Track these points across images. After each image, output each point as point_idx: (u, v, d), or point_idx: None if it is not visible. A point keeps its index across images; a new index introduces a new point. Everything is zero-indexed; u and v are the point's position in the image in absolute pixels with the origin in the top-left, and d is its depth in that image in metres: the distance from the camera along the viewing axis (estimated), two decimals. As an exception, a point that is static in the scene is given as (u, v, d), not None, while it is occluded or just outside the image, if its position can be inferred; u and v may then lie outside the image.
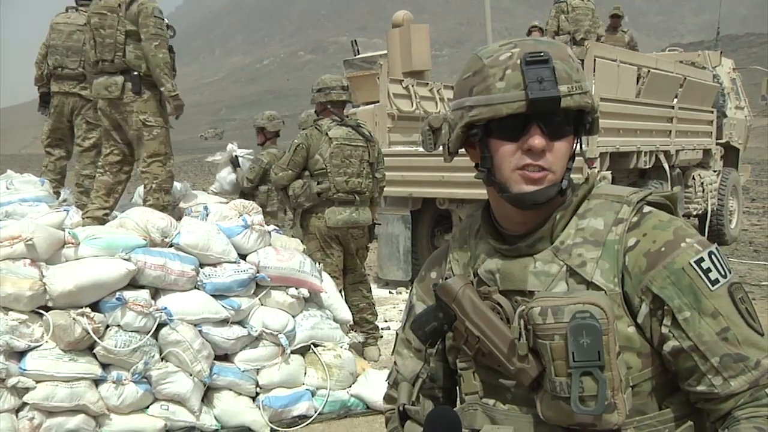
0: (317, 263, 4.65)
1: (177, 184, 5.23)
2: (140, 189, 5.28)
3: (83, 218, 4.51)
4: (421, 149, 7.40)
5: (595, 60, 6.58)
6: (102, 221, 4.53)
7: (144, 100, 4.58)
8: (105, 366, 3.64)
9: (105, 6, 4.54)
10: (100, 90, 4.59)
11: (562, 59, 1.20)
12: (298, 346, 4.20)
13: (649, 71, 7.83)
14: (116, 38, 4.50)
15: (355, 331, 5.22)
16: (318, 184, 5.04)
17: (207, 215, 4.50)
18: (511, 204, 1.26)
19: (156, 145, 4.66)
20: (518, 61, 1.19)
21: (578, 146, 1.27)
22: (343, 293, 5.18)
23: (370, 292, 5.51)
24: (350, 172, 5.08)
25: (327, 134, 5.06)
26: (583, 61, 6.61)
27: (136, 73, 4.54)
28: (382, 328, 5.81)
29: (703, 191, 9.33)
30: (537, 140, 1.19)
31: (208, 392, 3.90)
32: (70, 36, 5.46)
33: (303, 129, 5.36)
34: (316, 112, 5.34)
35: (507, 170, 1.23)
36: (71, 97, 5.47)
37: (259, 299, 4.14)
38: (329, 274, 4.93)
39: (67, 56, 5.45)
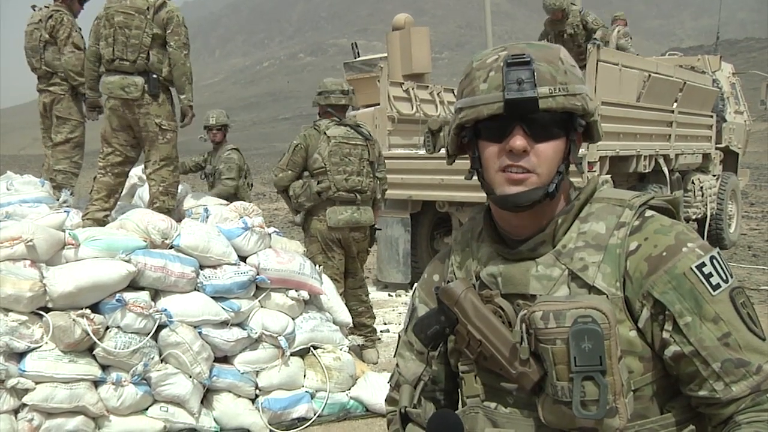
0: (318, 266, 4.65)
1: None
2: (140, 191, 5.28)
3: (83, 219, 4.51)
4: (421, 152, 7.41)
5: (597, 64, 6.58)
6: (102, 222, 4.53)
7: (159, 104, 4.59)
8: (105, 367, 3.63)
9: (131, 6, 4.51)
10: (115, 89, 4.54)
11: (549, 62, 1.20)
12: (298, 349, 4.20)
13: (650, 75, 7.83)
14: (142, 40, 4.48)
15: (354, 334, 5.23)
16: (318, 183, 5.05)
17: (207, 217, 4.51)
18: (496, 205, 1.28)
19: (169, 149, 4.68)
20: (501, 64, 1.20)
21: (571, 149, 1.27)
22: (342, 297, 5.19)
23: (368, 296, 5.51)
24: (350, 170, 5.08)
25: (325, 133, 5.08)
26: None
27: (155, 76, 4.54)
28: (381, 331, 5.81)
29: (703, 195, 9.34)
30: (518, 141, 1.20)
31: (207, 394, 3.90)
32: (32, 35, 5.47)
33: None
34: (319, 114, 5.36)
35: (492, 171, 1.24)
36: (43, 94, 5.47)
37: (259, 301, 4.14)
38: (330, 277, 4.93)
39: (33, 57, 5.45)
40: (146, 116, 4.58)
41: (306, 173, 5.13)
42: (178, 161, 4.85)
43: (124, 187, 5.09)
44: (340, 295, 4.99)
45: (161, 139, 4.63)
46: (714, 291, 1.17)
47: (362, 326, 5.35)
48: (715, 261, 1.19)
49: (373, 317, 5.50)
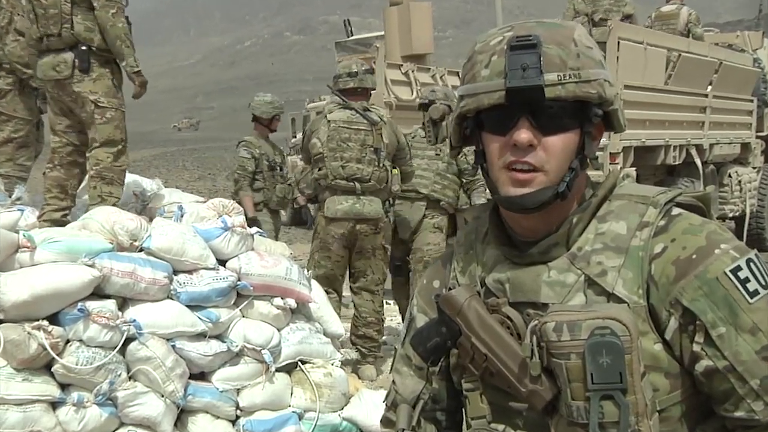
0: (307, 270, 4.65)
1: (148, 182, 5.23)
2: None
3: (39, 221, 4.48)
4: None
5: (618, 42, 6.59)
6: (61, 223, 4.51)
7: (93, 79, 4.47)
8: (64, 386, 3.62)
9: None
10: (48, 70, 4.46)
11: (559, 44, 1.20)
12: (284, 364, 4.20)
13: (680, 55, 7.84)
14: (61, 8, 4.36)
15: (355, 347, 5.23)
16: (318, 170, 5.13)
17: (182, 216, 4.50)
18: (502, 206, 1.29)
19: (110, 129, 4.54)
20: (505, 47, 1.20)
21: (585, 143, 1.27)
22: (352, 298, 5.26)
23: (382, 306, 5.53)
24: (347, 157, 5.17)
25: (326, 117, 5.24)
26: (604, 43, 6.62)
27: (84, 48, 4.40)
28: (378, 344, 5.83)
29: (741, 190, 9.36)
30: (523, 134, 1.20)
31: (181, 415, 3.90)
32: None
33: None
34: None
35: (496, 168, 1.24)
36: None
37: (241, 310, 4.14)
38: (320, 276, 4.97)
39: None
40: (79, 95, 4.46)
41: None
42: (122, 145, 4.65)
43: (82, 181, 5.07)
44: (338, 301, 5.05)
45: (99, 119, 4.50)
46: (751, 298, 1.17)
47: (366, 338, 5.36)
48: (752, 264, 1.19)
49: (381, 332, 5.52)
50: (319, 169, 5.20)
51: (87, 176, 4.66)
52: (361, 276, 5.37)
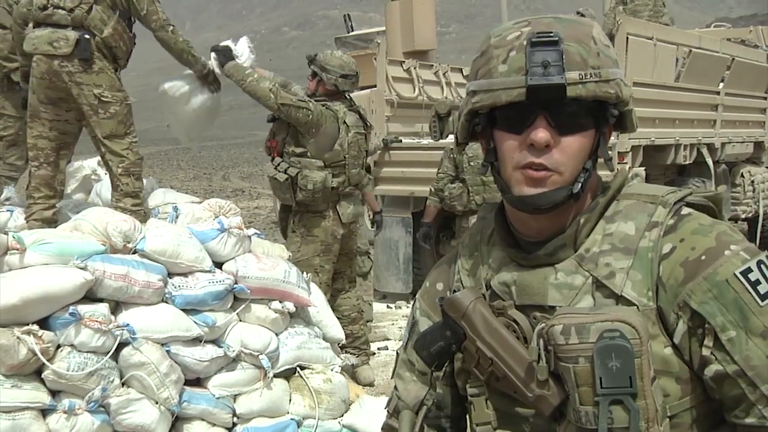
0: (306, 274, 4.65)
1: (141, 181, 5.22)
2: (98, 186, 5.26)
3: (27, 221, 4.45)
4: (424, 141, 7.42)
5: (627, 38, 6.59)
6: (52, 221, 4.50)
7: (95, 72, 4.40)
8: (55, 393, 3.61)
9: None
10: (41, 44, 4.31)
11: (579, 41, 1.21)
12: (282, 369, 4.20)
13: (690, 51, 7.84)
14: None
15: (344, 350, 5.24)
16: (335, 177, 5.14)
17: (177, 217, 4.50)
18: (513, 207, 1.29)
19: (113, 124, 4.49)
20: (524, 42, 1.20)
21: (600, 143, 1.27)
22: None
23: (359, 300, 5.59)
24: (359, 164, 5.31)
25: (345, 122, 5.18)
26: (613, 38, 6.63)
27: (88, 36, 4.33)
28: (379, 348, 5.85)
29: (754, 191, 9.36)
30: (540, 134, 1.20)
31: (176, 423, 3.89)
32: None
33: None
34: (315, 92, 5.34)
35: (509, 168, 1.25)
36: None
37: (238, 314, 4.14)
38: (324, 282, 4.99)
39: None
40: (79, 86, 4.39)
41: (319, 163, 5.11)
42: (131, 137, 4.63)
43: (78, 180, 5.06)
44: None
45: (102, 114, 4.45)
46: (762, 301, 1.18)
47: (354, 337, 5.39)
48: (763, 266, 1.20)
49: (365, 326, 5.59)
50: (335, 176, 5.14)
51: (110, 173, 4.64)
52: (340, 276, 5.49)
